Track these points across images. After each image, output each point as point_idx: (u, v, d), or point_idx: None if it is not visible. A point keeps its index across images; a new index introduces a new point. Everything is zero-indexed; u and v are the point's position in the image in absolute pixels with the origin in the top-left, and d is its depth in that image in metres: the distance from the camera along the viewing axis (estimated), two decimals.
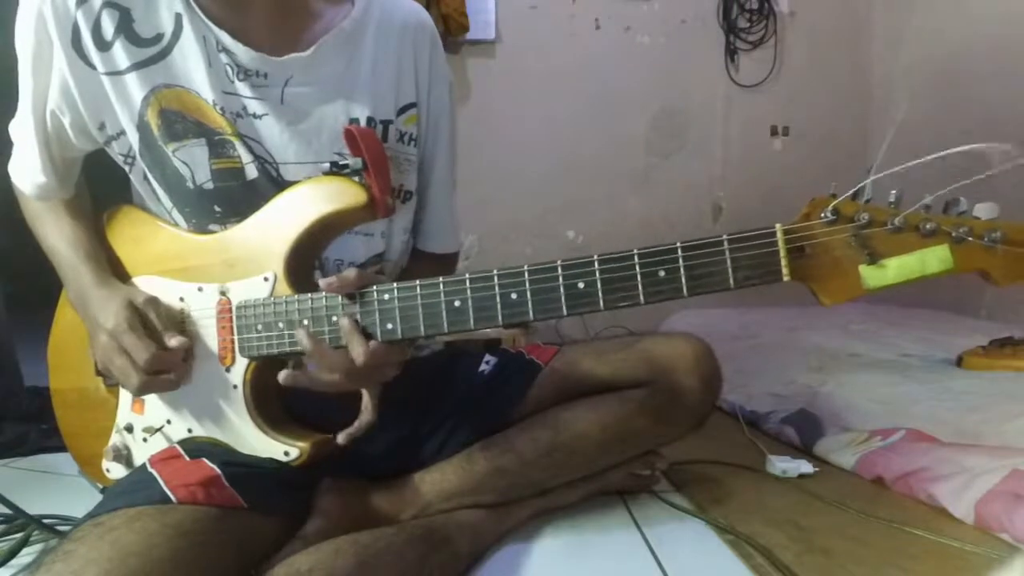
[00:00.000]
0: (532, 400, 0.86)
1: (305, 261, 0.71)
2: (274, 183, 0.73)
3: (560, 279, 0.60)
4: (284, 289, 0.67)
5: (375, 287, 0.64)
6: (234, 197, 0.72)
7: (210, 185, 0.72)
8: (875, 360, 1.58)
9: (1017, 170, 0.47)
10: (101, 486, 0.78)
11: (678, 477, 1.01)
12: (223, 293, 0.69)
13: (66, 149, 0.75)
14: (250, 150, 0.72)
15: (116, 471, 0.74)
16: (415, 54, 0.80)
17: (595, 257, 0.59)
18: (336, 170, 0.69)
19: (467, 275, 0.62)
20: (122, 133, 0.72)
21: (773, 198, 2.59)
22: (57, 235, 0.75)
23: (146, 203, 0.77)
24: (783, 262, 0.55)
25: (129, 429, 0.74)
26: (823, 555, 0.77)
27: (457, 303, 0.62)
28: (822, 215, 0.55)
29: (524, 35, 2.42)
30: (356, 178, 0.69)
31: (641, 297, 0.58)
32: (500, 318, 0.61)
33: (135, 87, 0.69)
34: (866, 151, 2.73)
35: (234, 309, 0.69)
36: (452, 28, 2.18)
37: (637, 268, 0.58)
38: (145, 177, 0.74)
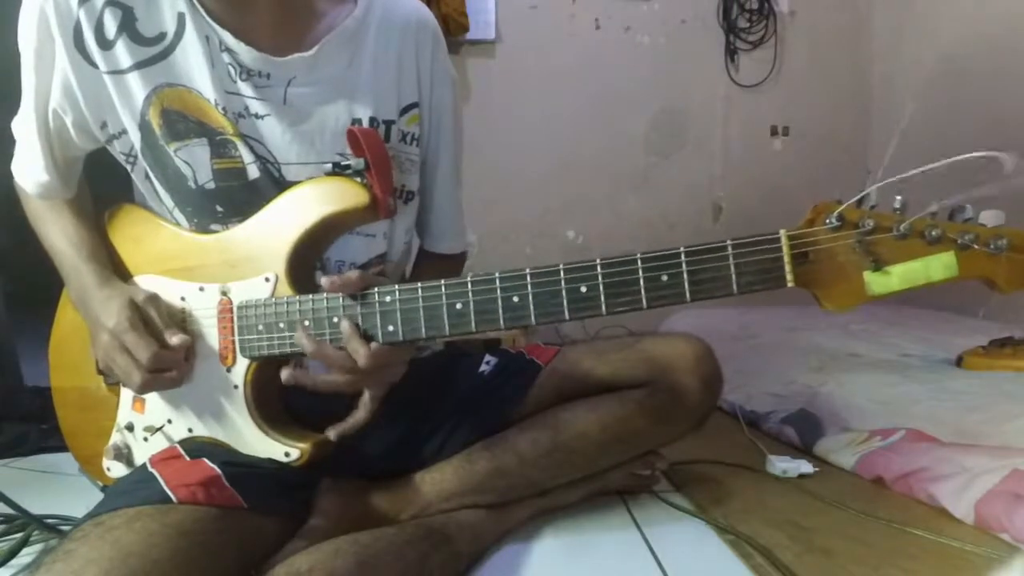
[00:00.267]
0: (532, 400, 0.86)
1: (307, 262, 0.71)
2: (276, 183, 0.73)
3: (562, 283, 0.59)
4: (285, 290, 0.67)
5: (376, 289, 0.64)
6: (236, 197, 0.73)
7: (212, 185, 0.72)
8: (875, 360, 1.58)
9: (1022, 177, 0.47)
10: (102, 484, 0.78)
11: (678, 477, 1.01)
12: (224, 293, 0.69)
13: (68, 148, 0.75)
14: (252, 150, 0.72)
15: (117, 470, 0.74)
16: (417, 53, 0.80)
17: (597, 261, 0.59)
18: (338, 170, 0.69)
19: (469, 278, 0.62)
20: (123, 132, 0.72)
21: (773, 198, 2.59)
22: (59, 234, 0.75)
23: (147, 202, 0.77)
24: (787, 268, 0.55)
25: (130, 428, 0.74)
26: (823, 555, 0.77)
27: (459, 306, 0.62)
28: (827, 221, 0.55)
29: (524, 35, 2.42)
30: (358, 179, 0.69)
31: (644, 302, 0.58)
32: (502, 321, 0.61)
33: (137, 86, 0.69)
34: (866, 151, 2.73)
35: (235, 309, 0.69)
36: (452, 28, 2.18)
37: (640, 272, 0.58)
38: (147, 176, 0.74)
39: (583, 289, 0.59)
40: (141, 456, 0.73)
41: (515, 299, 0.61)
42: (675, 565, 0.77)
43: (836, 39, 2.68)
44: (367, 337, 0.64)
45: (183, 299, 0.71)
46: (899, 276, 0.53)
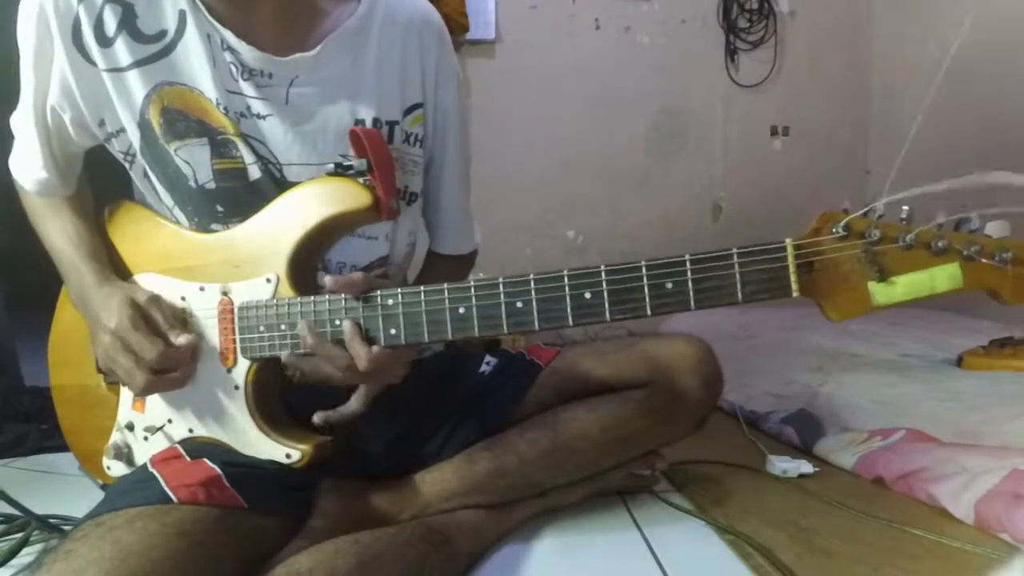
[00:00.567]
0: (532, 401, 0.86)
1: (308, 263, 0.71)
2: (277, 184, 0.73)
3: (566, 288, 0.59)
4: (287, 291, 0.67)
5: (379, 291, 0.64)
6: (237, 197, 0.72)
7: (212, 185, 0.72)
8: (875, 360, 1.59)
9: None
10: (102, 483, 0.78)
11: (678, 477, 1.01)
12: (225, 293, 0.69)
13: (67, 145, 0.74)
14: (253, 151, 0.72)
15: (117, 469, 0.74)
16: (421, 52, 0.79)
17: (602, 267, 0.58)
18: (340, 171, 0.68)
19: (472, 282, 0.62)
20: (122, 130, 0.71)
21: (773, 198, 2.59)
22: (58, 232, 0.74)
23: (147, 200, 0.77)
24: (792, 278, 0.55)
25: (130, 427, 0.73)
26: (823, 555, 0.77)
27: (462, 310, 0.62)
28: (833, 230, 0.55)
29: (524, 35, 2.42)
30: (360, 179, 0.68)
31: (648, 309, 0.57)
32: (505, 327, 0.61)
33: (136, 84, 0.69)
34: (866, 151, 2.73)
35: (236, 310, 0.68)
36: (452, 28, 2.18)
37: (644, 279, 0.57)
38: (145, 175, 0.74)
39: (587, 295, 0.59)
40: (141, 455, 0.73)
41: (519, 304, 0.60)
42: (675, 565, 0.77)
43: (836, 39, 2.68)
44: (369, 339, 0.64)
45: (183, 299, 0.71)
46: (904, 287, 0.53)
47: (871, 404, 1.21)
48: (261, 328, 0.67)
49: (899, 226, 0.54)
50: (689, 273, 0.56)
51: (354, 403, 0.68)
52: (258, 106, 0.71)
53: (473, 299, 0.62)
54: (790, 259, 0.55)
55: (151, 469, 0.67)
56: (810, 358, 1.61)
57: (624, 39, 2.51)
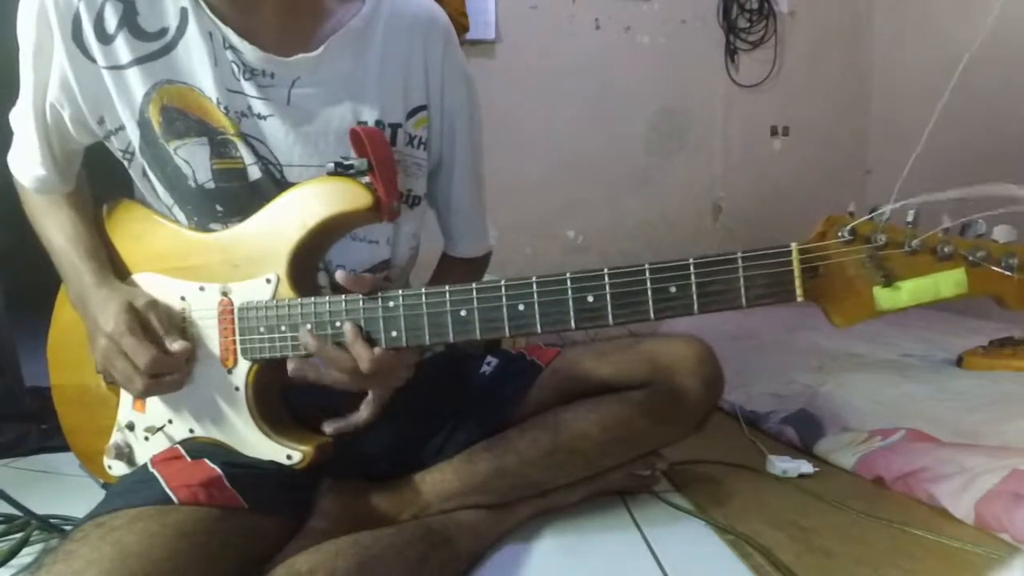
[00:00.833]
0: (533, 401, 0.86)
1: (308, 263, 0.71)
2: (277, 185, 0.72)
3: (569, 292, 0.59)
4: (287, 291, 0.67)
5: (380, 293, 0.63)
6: (236, 197, 0.72)
7: (211, 185, 0.72)
8: (875, 360, 1.59)
9: None
10: (103, 482, 0.78)
11: (678, 477, 1.01)
12: (225, 294, 0.69)
13: (66, 142, 0.74)
14: (253, 151, 0.71)
15: (118, 468, 0.74)
16: (425, 53, 0.77)
17: (605, 271, 0.58)
18: (341, 170, 0.68)
19: (474, 285, 0.61)
20: (121, 128, 0.71)
21: (773, 198, 2.59)
22: (57, 231, 0.74)
23: (146, 199, 0.77)
24: (797, 282, 0.54)
25: (131, 427, 0.73)
26: (823, 555, 0.77)
27: (463, 313, 0.61)
28: (839, 234, 0.54)
29: (524, 35, 2.42)
30: (361, 179, 0.67)
31: (651, 313, 0.57)
32: (507, 329, 0.60)
33: (136, 82, 0.68)
34: (866, 151, 2.73)
35: (236, 311, 0.68)
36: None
37: (648, 283, 0.57)
38: (144, 173, 0.73)
39: (590, 299, 0.58)
40: (142, 455, 0.73)
41: (520, 307, 0.60)
42: (675, 565, 0.77)
43: (836, 39, 2.68)
44: (370, 341, 0.63)
45: (183, 298, 0.70)
46: (909, 292, 0.53)
47: (871, 404, 1.21)
48: (261, 329, 0.67)
49: (905, 230, 0.53)
50: (693, 277, 0.56)
51: (364, 412, 0.68)
52: (259, 106, 0.70)
53: (475, 302, 0.61)
54: (795, 263, 0.54)
55: (151, 469, 0.67)
56: (810, 358, 1.61)
57: (624, 39, 2.51)
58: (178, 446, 0.71)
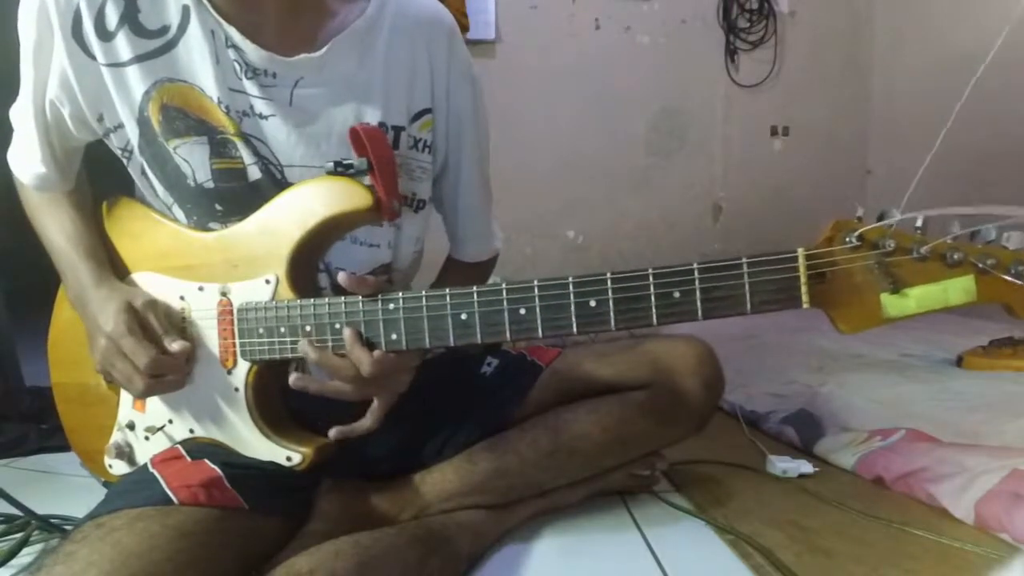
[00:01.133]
0: (533, 401, 0.86)
1: (308, 264, 0.70)
2: (277, 185, 0.72)
3: (571, 296, 0.58)
4: (286, 292, 0.67)
5: (380, 296, 0.63)
6: (236, 197, 0.72)
7: (211, 184, 0.71)
8: (875, 360, 1.59)
9: None
10: (104, 480, 0.78)
11: (678, 477, 1.01)
12: (224, 294, 0.69)
13: (66, 139, 0.74)
14: (254, 151, 0.71)
15: (119, 468, 0.74)
16: (430, 55, 0.77)
17: (608, 275, 0.57)
18: (340, 170, 0.67)
19: (474, 288, 0.61)
20: (120, 126, 0.70)
21: (773, 198, 2.59)
22: (56, 229, 0.74)
23: (146, 197, 0.76)
24: (803, 289, 0.53)
25: (131, 427, 0.73)
26: (823, 555, 0.77)
27: (464, 316, 0.61)
28: (846, 240, 0.53)
29: (524, 35, 2.42)
30: (362, 179, 0.67)
31: (654, 319, 0.56)
32: (508, 333, 0.60)
33: (136, 80, 0.68)
34: (866, 151, 2.73)
35: (235, 312, 0.68)
36: None
37: (651, 288, 0.56)
38: (143, 172, 0.73)
39: (592, 303, 0.57)
40: (143, 454, 0.73)
41: (522, 311, 0.59)
42: (675, 565, 0.77)
43: (836, 39, 2.68)
44: (370, 345, 0.63)
45: (182, 298, 0.70)
46: (917, 299, 0.52)
47: (871, 404, 1.21)
48: (261, 331, 0.67)
49: (913, 237, 0.52)
50: (697, 282, 0.55)
51: (368, 419, 0.67)
52: (261, 106, 0.70)
53: (475, 305, 0.60)
54: (801, 269, 0.53)
55: (152, 469, 0.67)
56: (810, 358, 1.61)
57: (624, 39, 2.51)
58: (178, 446, 0.71)
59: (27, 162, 0.74)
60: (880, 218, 0.53)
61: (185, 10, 0.67)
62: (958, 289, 0.51)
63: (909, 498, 0.92)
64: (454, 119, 0.80)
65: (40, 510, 0.85)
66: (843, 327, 0.55)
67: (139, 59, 0.67)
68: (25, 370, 1.47)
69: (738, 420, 1.30)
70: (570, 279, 0.58)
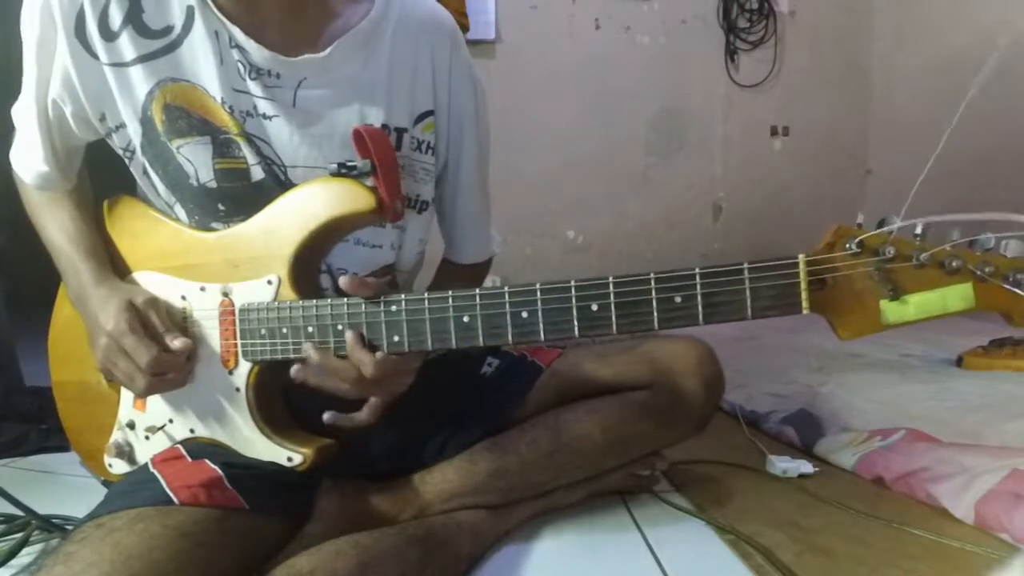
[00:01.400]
0: (533, 402, 0.86)
1: (310, 265, 0.70)
2: (280, 185, 0.72)
3: (573, 300, 0.58)
4: (288, 293, 0.67)
5: (383, 297, 0.63)
6: (238, 197, 0.72)
7: (213, 184, 0.71)
8: (875, 360, 1.59)
9: None
10: (103, 479, 0.78)
11: (678, 477, 1.01)
12: (226, 294, 0.69)
13: (68, 138, 0.74)
14: (257, 151, 0.71)
15: (119, 467, 0.74)
16: (433, 58, 0.77)
17: (610, 279, 0.57)
18: (343, 171, 0.67)
19: (477, 290, 0.61)
20: (122, 126, 0.70)
21: (773, 198, 2.60)
22: (57, 228, 0.74)
23: (147, 197, 0.76)
24: (803, 294, 0.54)
25: (131, 426, 0.73)
26: (823, 555, 0.77)
27: (466, 319, 0.61)
28: (847, 246, 0.54)
29: (524, 35, 2.42)
30: (365, 181, 0.67)
31: (655, 323, 0.56)
32: (510, 336, 0.60)
33: (139, 80, 0.68)
34: (866, 151, 2.73)
35: (237, 312, 0.68)
36: None
37: (653, 293, 0.56)
38: (145, 171, 0.73)
39: (594, 307, 0.58)
40: (143, 454, 0.73)
41: (524, 314, 0.59)
42: (675, 565, 0.77)
43: (836, 39, 2.68)
44: (372, 347, 0.63)
45: (183, 297, 0.70)
46: (916, 306, 0.52)
47: (871, 404, 1.21)
48: (262, 331, 0.67)
49: (913, 244, 0.53)
50: (699, 287, 0.55)
51: (365, 413, 0.67)
52: (264, 106, 0.70)
53: (478, 308, 0.61)
54: (802, 275, 0.54)
55: (152, 469, 0.67)
56: (810, 358, 1.61)
57: (624, 39, 2.52)
58: (179, 446, 0.71)
59: (29, 161, 0.74)
60: (880, 225, 0.53)
61: (189, 10, 0.67)
62: (956, 296, 0.52)
63: (909, 498, 0.92)
64: (455, 121, 0.81)
65: (40, 510, 0.85)
66: (843, 333, 0.55)
67: (142, 59, 0.67)
68: (25, 370, 1.47)
69: (738, 420, 1.30)
70: (572, 283, 0.58)
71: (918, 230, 0.52)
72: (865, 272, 0.54)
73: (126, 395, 0.74)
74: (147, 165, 0.72)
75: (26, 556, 0.80)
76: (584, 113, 2.51)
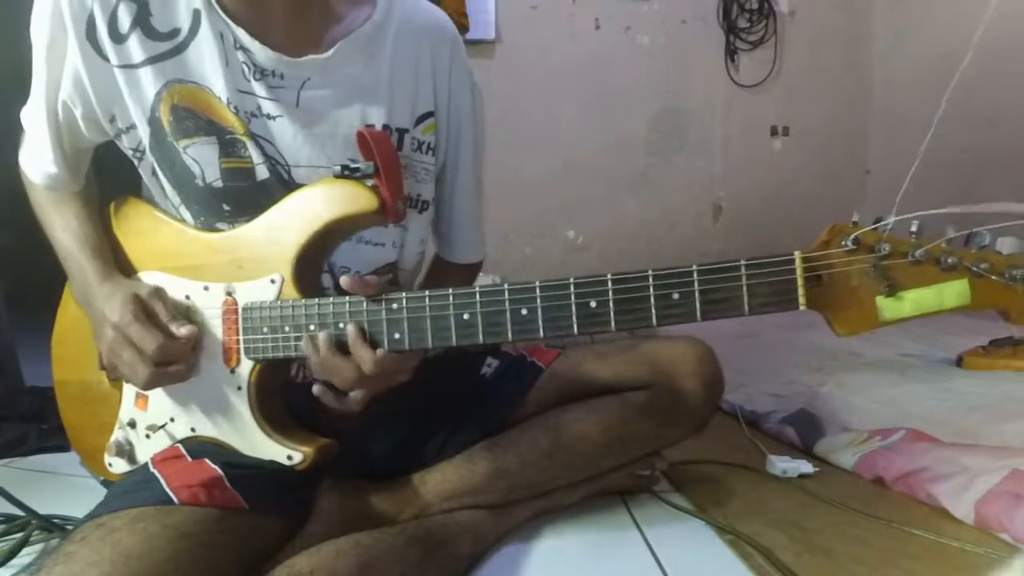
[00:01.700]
0: (533, 402, 0.86)
1: (313, 264, 0.71)
2: (285, 185, 0.72)
3: (572, 297, 0.59)
4: (291, 292, 0.67)
5: (384, 295, 0.64)
6: (244, 197, 0.72)
7: (219, 184, 0.72)
8: (875, 360, 1.59)
9: None
10: (103, 479, 0.78)
11: (678, 477, 1.01)
12: (229, 293, 0.69)
13: (77, 140, 0.74)
14: (262, 151, 0.72)
15: (119, 466, 0.74)
16: (433, 60, 0.79)
17: (608, 276, 0.58)
18: (347, 173, 0.68)
19: (477, 288, 0.61)
20: (132, 127, 0.71)
21: (773, 198, 2.59)
22: (63, 228, 0.74)
23: (154, 197, 0.77)
24: (800, 291, 0.54)
25: (132, 425, 0.74)
26: (823, 555, 0.77)
27: (466, 316, 0.61)
28: (843, 243, 0.54)
29: (524, 35, 2.42)
30: (368, 182, 0.67)
31: (654, 319, 0.57)
32: (510, 334, 0.61)
33: (148, 81, 0.69)
34: (866, 151, 2.73)
35: (240, 311, 0.68)
36: None
37: (651, 289, 0.57)
38: (154, 172, 0.74)
39: (592, 304, 0.58)
40: (143, 453, 0.73)
41: (523, 312, 0.60)
42: (675, 565, 0.77)
43: (836, 39, 2.68)
44: (373, 344, 0.64)
45: (187, 297, 0.71)
46: (912, 302, 0.53)
47: (871, 404, 1.21)
48: (265, 329, 0.67)
49: (908, 241, 0.53)
50: (696, 284, 0.56)
51: (353, 403, 0.67)
52: (269, 107, 0.71)
53: (478, 305, 0.61)
54: (799, 272, 0.54)
55: (152, 469, 0.67)
56: (810, 358, 1.61)
57: (624, 39, 2.52)
58: (179, 445, 0.71)
59: (38, 162, 0.75)
60: (876, 222, 0.54)
61: (196, 13, 0.68)
62: (952, 293, 0.52)
63: (909, 498, 0.92)
64: (454, 123, 0.82)
65: (40, 510, 0.85)
66: (839, 330, 0.56)
67: (151, 61, 0.68)
68: (25, 370, 1.47)
69: (738, 420, 1.30)
70: (571, 280, 0.59)
71: (914, 228, 0.53)
72: (861, 269, 0.54)
73: (128, 394, 0.74)
74: (155, 166, 0.73)
75: (26, 556, 0.81)
76: (584, 113, 2.50)
